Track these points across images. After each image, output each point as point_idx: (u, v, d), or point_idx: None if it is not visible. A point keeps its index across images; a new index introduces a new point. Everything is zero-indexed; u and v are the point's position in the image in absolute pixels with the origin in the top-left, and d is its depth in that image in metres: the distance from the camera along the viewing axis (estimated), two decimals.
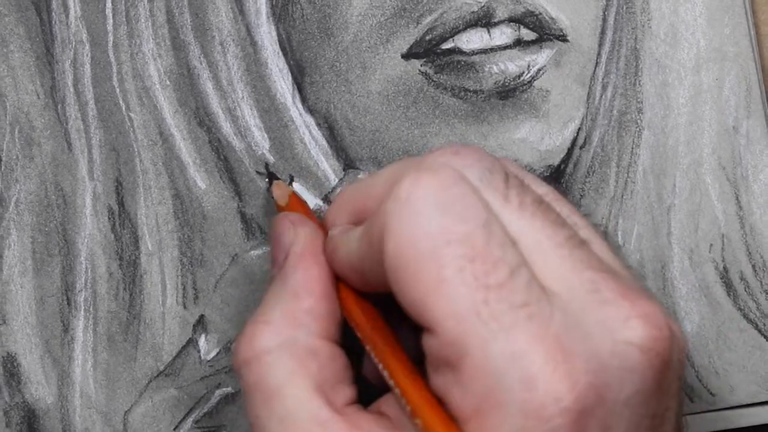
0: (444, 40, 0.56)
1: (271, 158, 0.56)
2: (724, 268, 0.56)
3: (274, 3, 0.56)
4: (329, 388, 0.43)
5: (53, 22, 0.55)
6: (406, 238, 0.40)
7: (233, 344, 0.45)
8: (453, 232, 0.39)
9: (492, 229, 0.40)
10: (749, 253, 0.56)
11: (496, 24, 0.56)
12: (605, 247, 0.43)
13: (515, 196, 0.42)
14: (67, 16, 0.55)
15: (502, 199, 0.41)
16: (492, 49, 0.56)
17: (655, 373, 0.39)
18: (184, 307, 0.55)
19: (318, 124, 0.56)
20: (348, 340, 0.45)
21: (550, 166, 0.56)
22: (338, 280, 0.45)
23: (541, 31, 0.56)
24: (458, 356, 0.38)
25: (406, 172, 0.42)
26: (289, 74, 0.56)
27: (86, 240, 0.55)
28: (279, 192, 0.53)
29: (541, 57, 0.56)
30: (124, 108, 0.55)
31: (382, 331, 0.44)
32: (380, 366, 0.43)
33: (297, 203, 0.52)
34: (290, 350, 0.43)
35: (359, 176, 0.56)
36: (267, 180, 0.55)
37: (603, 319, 0.39)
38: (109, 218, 0.55)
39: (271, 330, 0.44)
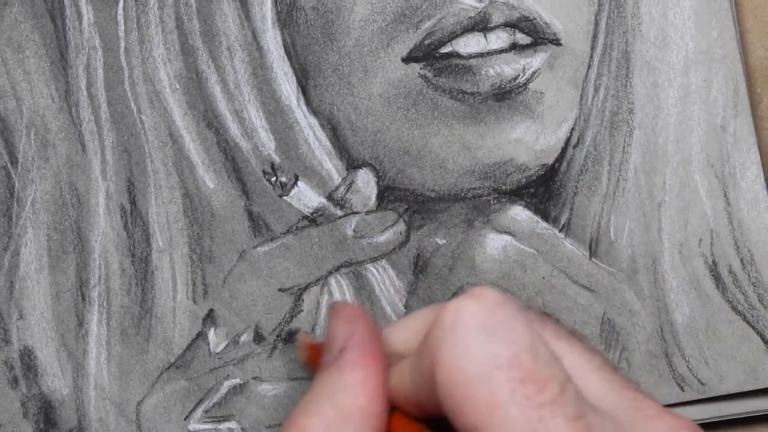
0: (442, 44, 0.56)
1: (276, 158, 0.56)
2: (713, 262, 0.57)
3: (279, 9, 0.56)
4: None
5: (67, 29, 0.56)
6: (455, 366, 0.39)
7: (281, 430, 0.44)
8: (501, 355, 0.39)
9: (538, 349, 0.40)
10: (737, 247, 0.57)
11: (492, 29, 0.56)
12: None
13: (551, 324, 0.42)
14: (80, 23, 0.56)
15: (541, 325, 0.42)
16: (488, 53, 0.56)
17: None
18: (194, 302, 0.56)
19: (322, 126, 0.56)
20: None
21: (544, 164, 0.57)
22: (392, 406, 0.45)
23: (536, 36, 0.56)
24: None
25: (448, 304, 0.42)
26: (294, 78, 0.56)
27: (100, 238, 0.56)
28: (302, 341, 0.52)
29: (536, 60, 0.56)
30: (135, 111, 0.56)
31: None
32: None
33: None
34: None
35: (360, 176, 0.57)
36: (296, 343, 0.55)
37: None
38: (121, 217, 0.56)
39: (322, 424, 0.43)
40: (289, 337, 0.55)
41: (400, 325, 0.47)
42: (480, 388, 0.39)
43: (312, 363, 0.50)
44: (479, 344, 0.39)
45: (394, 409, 0.44)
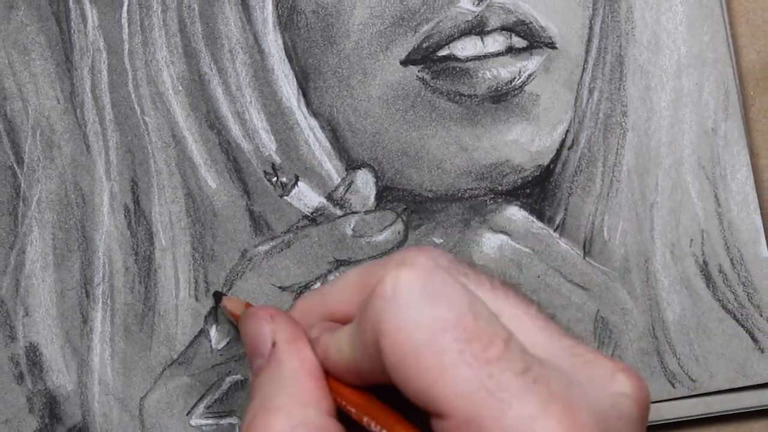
0: (440, 47, 0.56)
1: (277, 159, 0.56)
2: (704, 261, 0.57)
3: (280, 13, 0.56)
4: None
5: (72, 32, 0.56)
6: (401, 333, 0.40)
7: None
8: (444, 318, 0.39)
9: (478, 308, 0.40)
10: (727, 247, 0.57)
11: (489, 32, 0.56)
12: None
13: (485, 279, 0.43)
14: (85, 26, 0.56)
15: (476, 283, 0.42)
16: (485, 56, 0.56)
17: (643, 418, 0.41)
18: (196, 300, 0.56)
19: (322, 127, 0.57)
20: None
21: (540, 165, 0.57)
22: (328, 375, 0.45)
23: (532, 39, 0.57)
24: None
25: (380, 271, 0.42)
26: (295, 80, 0.57)
27: (104, 236, 0.56)
28: (232, 305, 0.53)
29: (532, 63, 0.57)
30: (139, 112, 0.56)
31: (381, 407, 0.43)
32: None
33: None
34: (306, 431, 0.43)
35: (359, 177, 0.57)
36: (214, 304, 0.55)
37: (592, 377, 0.41)
38: (125, 216, 0.56)
39: (283, 415, 0.43)
40: (216, 298, 0.55)
41: (332, 287, 0.47)
42: (428, 352, 0.39)
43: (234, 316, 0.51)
44: (422, 310, 0.40)
45: (330, 380, 0.44)
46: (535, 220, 0.57)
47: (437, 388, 0.39)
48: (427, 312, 0.40)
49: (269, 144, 0.57)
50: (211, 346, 0.56)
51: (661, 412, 0.57)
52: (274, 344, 0.45)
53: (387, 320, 0.40)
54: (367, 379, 0.43)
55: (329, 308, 0.46)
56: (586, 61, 0.57)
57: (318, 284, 0.56)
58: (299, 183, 0.57)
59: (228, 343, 0.56)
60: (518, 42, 0.57)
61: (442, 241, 0.57)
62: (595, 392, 0.40)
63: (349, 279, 0.46)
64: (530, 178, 0.57)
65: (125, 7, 0.56)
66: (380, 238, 0.57)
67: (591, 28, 0.57)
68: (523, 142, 0.57)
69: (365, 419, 0.43)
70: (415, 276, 0.40)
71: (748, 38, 0.58)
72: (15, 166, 0.56)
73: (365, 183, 0.57)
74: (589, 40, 0.57)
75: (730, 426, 0.58)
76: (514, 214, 0.57)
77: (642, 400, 0.41)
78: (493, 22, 0.56)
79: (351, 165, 0.57)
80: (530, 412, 0.38)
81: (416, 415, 0.41)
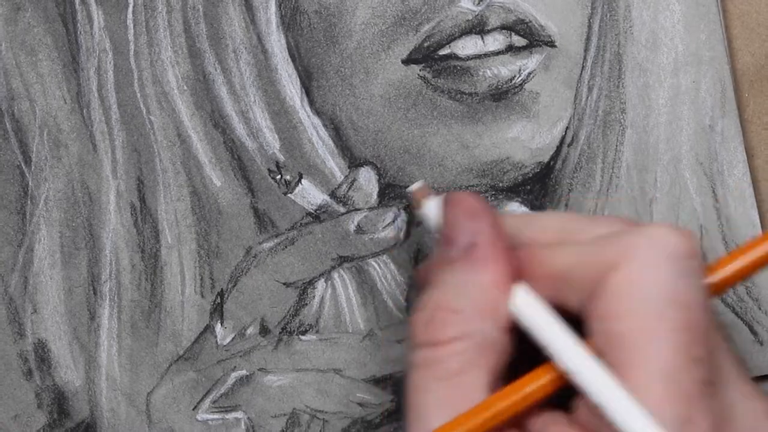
0: (441, 46, 0.56)
1: (281, 157, 0.57)
2: (703, 256, 0.56)
3: (283, 13, 0.57)
4: (498, 380, 0.43)
5: (78, 33, 0.56)
6: (640, 280, 0.40)
7: (416, 323, 0.43)
8: (684, 297, 0.40)
9: (708, 315, 0.41)
10: (725, 242, 0.57)
11: (489, 31, 0.56)
12: None
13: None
14: (91, 27, 0.56)
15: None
16: (486, 55, 0.57)
17: None
18: (202, 296, 0.56)
19: (325, 125, 0.57)
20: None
21: (540, 162, 0.57)
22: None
23: (531, 38, 0.57)
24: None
25: (652, 226, 0.42)
26: (298, 79, 0.57)
27: (110, 234, 0.56)
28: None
29: (531, 62, 0.57)
30: (144, 111, 0.56)
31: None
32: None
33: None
34: (475, 340, 0.43)
35: (362, 174, 0.57)
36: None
37: (753, 411, 0.42)
38: (131, 214, 0.56)
39: (460, 319, 0.43)
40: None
41: (532, 217, 0.47)
42: (647, 310, 0.39)
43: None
44: (671, 276, 0.40)
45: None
46: None
47: (630, 344, 0.39)
48: (675, 281, 0.40)
49: (273, 142, 0.57)
50: (216, 341, 0.56)
51: None
52: (474, 244, 0.44)
53: (637, 259, 0.40)
54: (561, 298, 0.43)
55: (525, 234, 0.46)
56: (585, 59, 0.57)
57: (321, 281, 0.57)
58: (303, 181, 0.57)
59: (233, 338, 0.56)
60: (518, 41, 0.57)
61: None
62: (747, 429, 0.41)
63: (551, 216, 0.47)
64: (531, 175, 0.58)
65: (131, 9, 0.56)
66: (383, 234, 0.57)
67: (590, 27, 0.57)
68: (523, 139, 0.57)
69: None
70: (685, 245, 0.41)
71: (742, 40, 0.58)
72: (23, 165, 0.56)
73: (368, 180, 0.57)
74: (588, 39, 0.57)
75: None
76: (515, 210, 0.57)
77: None
78: (493, 21, 0.57)
79: (354, 163, 0.57)
80: (680, 413, 0.39)
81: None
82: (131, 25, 0.56)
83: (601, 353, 0.41)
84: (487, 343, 0.43)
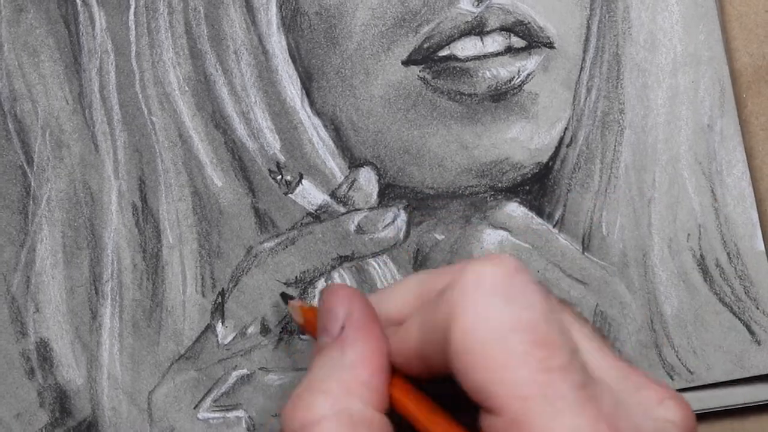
0: (440, 47, 0.57)
1: (282, 158, 0.57)
2: (701, 255, 0.57)
3: (283, 14, 0.57)
4: None
5: (80, 34, 0.56)
6: (473, 326, 0.40)
7: (285, 408, 0.43)
8: (517, 319, 0.40)
9: (552, 316, 0.40)
10: (724, 241, 0.57)
11: (488, 33, 0.57)
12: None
13: (552, 296, 0.43)
14: (93, 28, 0.57)
15: (548, 292, 0.43)
16: (485, 56, 0.57)
17: None
18: (203, 296, 0.56)
19: (325, 126, 0.57)
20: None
21: (539, 163, 0.57)
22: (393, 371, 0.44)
23: (530, 39, 0.57)
24: None
25: (443, 277, 0.43)
26: (298, 80, 0.57)
27: (112, 234, 0.56)
28: (299, 304, 0.52)
29: (530, 63, 0.57)
30: (146, 112, 0.57)
31: (439, 414, 0.43)
32: None
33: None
34: (346, 419, 0.42)
35: (362, 174, 0.58)
36: (284, 303, 0.54)
37: (640, 401, 0.41)
38: (133, 214, 0.56)
39: (329, 399, 0.42)
40: (284, 299, 0.54)
41: (391, 292, 0.47)
42: (493, 348, 0.39)
43: (308, 326, 0.50)
44: (498, 307, 0.40)
45: (393, 377, 0.44)
46: (534, 216, 0.58)
47: (496, 384, 0.39)
48: (503, 309, 0.40)
49: (274, 143, 0.57)
50: (217, 341, 0.56)
51: None
52: (343, 327, 0.45)
53: (462, 310, 0.40)
54: (429, 369, 0.43)
55: (384, 313, 0.46)
56: (583, 60, 0.57)
57: (321, 280, 0.57)
58: (303, 181, 0.57)
59: (234, 338, 0.56)
60: (517, 42, 0.57)
61: (443, 237, 0.57)
62: (641, 416, 0.41)
63: (407, 285, 0.46)
64: (530, 175, 0.58)
65: (132, 10, 0.57)
66: (383, 234, 0.57)
67: (588, 28, 0.57)
68: (522, 140, 0.57)
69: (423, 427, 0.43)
70: (499, 272, 0.41)
71: (740, 41, 0.59)
72: (25, 165, 0.56)
73: (368, 181, 0.57)
74: (587, 40, 0.57)
75: (725, 422, 0.58)
76: (514, 210, 0.58)
77: (688, 429, 0.41)
78: (493, 22, 0.57)
79: (354, 163, 0.57)
80: (580, 425, 0.39)
81: (465, 409, 0.42)
82: (133, 27, 0.57)
83: (481, 406, 0.41)
84: (358, 421, 0.42)
